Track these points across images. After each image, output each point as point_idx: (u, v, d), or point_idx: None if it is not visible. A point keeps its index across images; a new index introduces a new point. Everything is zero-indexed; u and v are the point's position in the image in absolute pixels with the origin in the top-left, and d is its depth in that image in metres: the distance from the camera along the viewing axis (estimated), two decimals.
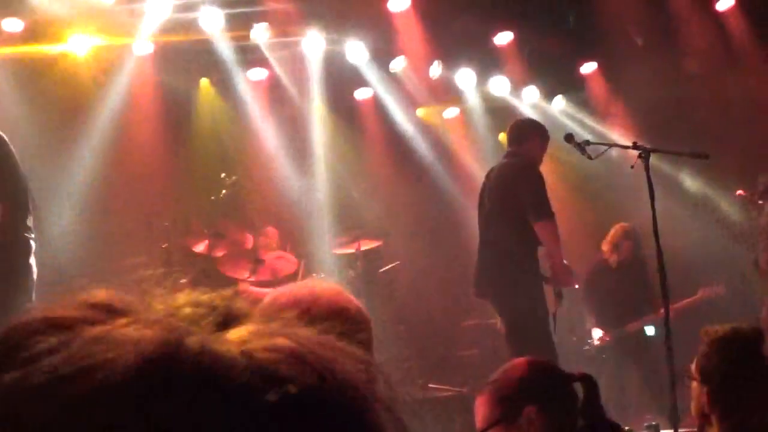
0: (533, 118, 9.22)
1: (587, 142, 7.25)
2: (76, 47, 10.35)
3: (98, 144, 10.65)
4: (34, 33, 10.00)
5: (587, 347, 10.78)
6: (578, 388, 3.22)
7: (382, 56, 11.72)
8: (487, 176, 8.57)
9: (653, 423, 7.00)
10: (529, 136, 8.40)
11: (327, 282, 2.52)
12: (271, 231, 10.58)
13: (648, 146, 6.81)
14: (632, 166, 6.82)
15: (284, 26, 10.86)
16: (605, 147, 7.40)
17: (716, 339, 3.53)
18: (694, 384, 3.64)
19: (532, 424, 3.11)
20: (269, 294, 2.46)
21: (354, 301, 2.45)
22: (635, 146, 6.82)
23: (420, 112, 13.29)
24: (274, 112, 12.12)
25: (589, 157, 7.22)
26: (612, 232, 10.63)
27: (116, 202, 10.69)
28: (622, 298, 10.39)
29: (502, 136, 14.20)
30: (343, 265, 10.74)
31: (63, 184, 10.15)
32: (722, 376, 3.46)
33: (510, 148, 8.50)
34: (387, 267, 11.19)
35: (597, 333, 10.53)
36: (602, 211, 12.37)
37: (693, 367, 3.64)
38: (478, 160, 12.81)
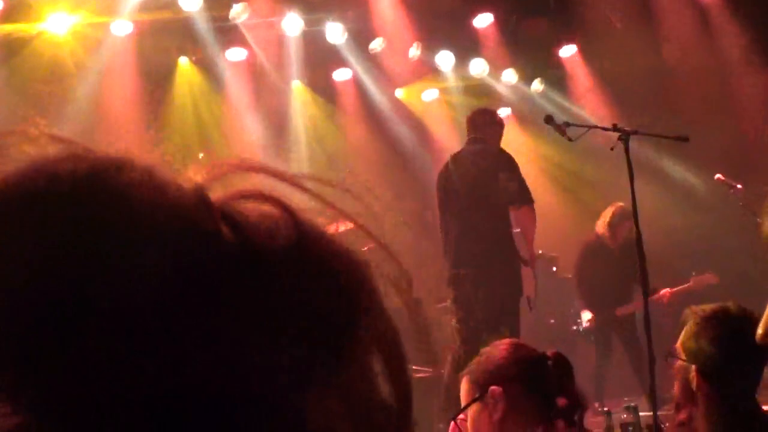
0: (488, 107, 9.23)
1: (567, 124, 7.23)
2: (55, 26, 10.28)
3: (76, 124, 10.59)
4: (12, 12, 9.92)
5: (575, 328, 10.76)
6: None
7: (361, 37, 11.69)
8: (454, 161, 8.53)
9: (632, 404, 7.04)
10: (489, 123, 8.58)
11: None
12: None
13: (628, 128, 6.80)
14: (612, 148, 6.82)
15: (263, 6, 10.81)
16: (585, 129, 7.39)
17: (704, 318, 3.52)
18: (679, 363, 3.64)
19: (497, 404, 3.13)
20: None
21: None
22: (615, 128, 6.80)
23: (399, 92, 13.30)
24: (253, 93, 12.09)
25: (569, 139, 7.21)
26: (609, 212, 10.42)
27: None
28: (615, 280, 10.32)
29: None
30: None
31: None
32: (711, 355, 3.46)
33: (473, 135, 8.55)
34: (363, 249, 11.19)
35: (586, 315, 10.49)
36: (588, 194, 12.40)
37: (678, 346, 3.65)
38: (458, 141, 12.82)
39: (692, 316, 3.60)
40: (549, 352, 3.23)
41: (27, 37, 10.19)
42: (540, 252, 12.34)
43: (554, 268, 12.41)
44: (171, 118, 11.68)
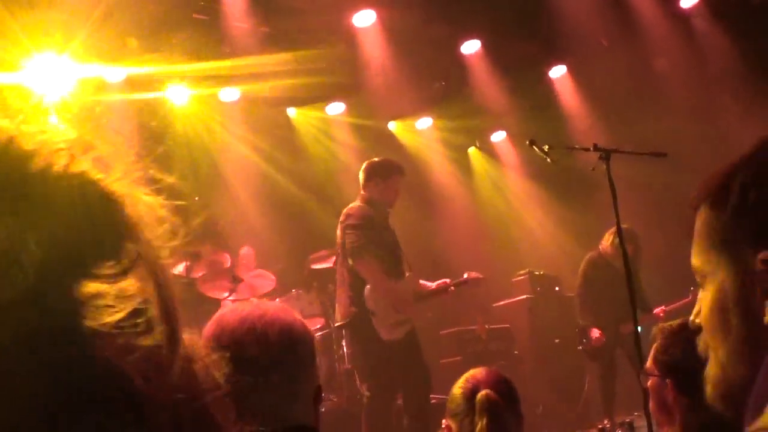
0: (379, 160, 8.99)
1: (549, 147, 7.31)
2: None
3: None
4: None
5: (580, 348, 10.75)
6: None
7: (352, 71, 11.78)
8: None
9: (627, 420, 7.09)
10: (368, 179, 8.61)
11: (272, 301, 2.61)
12: (247, 250, 10.63)
13: (607, 147, 6.88)
14: (593, 168, 6.89)
15: (252, 44, 10.93)
16: (566, 151, 7.47)
17: (674, 332, 3.56)
18: (652, 381, 3.69)
19: None
20: (218, 312, 2.54)
21: (298, 318, 2.54)
22: (595, 148, 6.89)
23: (392, 125, 13.43)
24: (247, 131, 12.22)
25: (553, 162, 7.29)
26: (613, 231, 10.41)
27: None
28: (619, 297, 10.32)
29: (473, 150, 14.34)
30: (323, 280, 10.77)
31: None
32: (685, 368, 3.49)
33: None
34: None
35: (595, 332, 10.46)
36: (588, 212, 12.43)
37: (650, 364, 3.70)
38: (451, 169, 12.94)
39: (660, 333, 3.66)
40: (482, 390, 3.25)
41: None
42: (542, 272, 12.43)
43: (557, 288, 12.46)
44: (165, 160, 11.75)
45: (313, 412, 2.49)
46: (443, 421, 3.31)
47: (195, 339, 0.93)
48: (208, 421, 0.91)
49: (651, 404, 3.73)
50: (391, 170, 8.70)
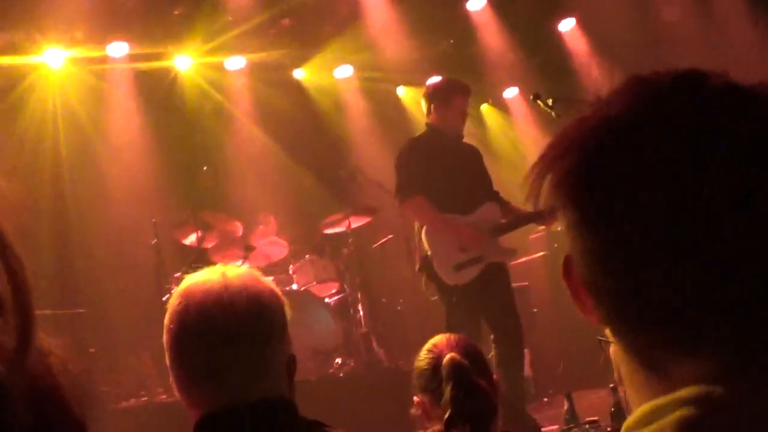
0: (437, 82, 8.42)
1: (554, 100, 7.16)
2: (52, 60, 10.46)
3: (75, 147, 10.73)
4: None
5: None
6: None
7: (357, 33, 11.67)
8: None
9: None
10: (429, 106, 7.98)
11: (240, 267, 2.53)
12: (270, 217, 10.56)
13: None
14: None
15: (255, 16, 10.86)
16: (571, 102, 7.34)
17: None
18: (613, 347, 3.60)
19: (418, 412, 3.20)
20: (182, 284, 2.46)
21: (267, 284, 2.46)
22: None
23: (401, 90, 13.34)
24: (254, 99, 12.15)
25: (557, 116, 7.16)
26: None
27: (99, 203, 10.73)
28: None
29: (485, 107, 14.21)
30: (336, 245, 10.71)
31: (40, 193, 10.14)
32: None
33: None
34: (380, 242, 11.18)
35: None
36: None
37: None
38: (465, 127, 12.78)
39: None
40: (447, 356, 3.15)
41: (21, 70, 10.36)
42: (560, 228, 12.20)
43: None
44: (174, 131, 11.69)
45: (286, 383, 2.42)
46: (414, 398, 3.22)
47: (46, 338, 0.93)
48: (68, 414, 0.91)
49: (615, 370, 3.64)
50: (451, 91, 7.95)
